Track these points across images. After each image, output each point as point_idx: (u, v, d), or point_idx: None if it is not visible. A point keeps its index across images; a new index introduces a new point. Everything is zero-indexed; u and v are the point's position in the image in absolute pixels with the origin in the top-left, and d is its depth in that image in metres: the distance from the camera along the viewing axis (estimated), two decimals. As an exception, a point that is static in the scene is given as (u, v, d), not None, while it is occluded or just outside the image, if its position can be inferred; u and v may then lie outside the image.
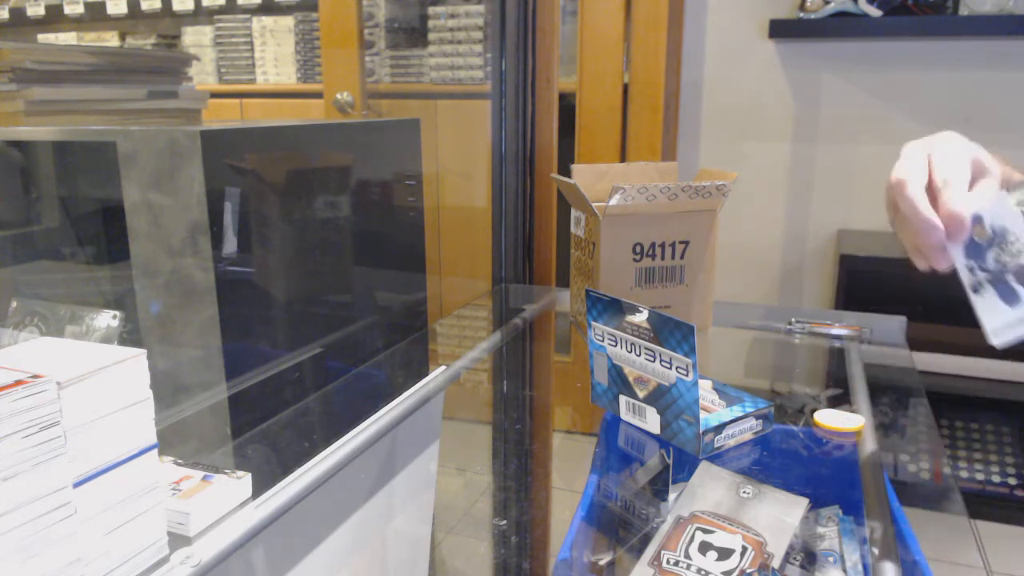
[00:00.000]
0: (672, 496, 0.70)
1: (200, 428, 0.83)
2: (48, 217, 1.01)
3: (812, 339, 1.20)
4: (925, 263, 0.64)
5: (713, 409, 0.81)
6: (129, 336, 0.87)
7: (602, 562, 0.65)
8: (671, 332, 0.71)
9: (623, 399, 0.81)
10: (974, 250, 0.59)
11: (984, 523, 1.84)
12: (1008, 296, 0.58)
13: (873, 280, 1.84)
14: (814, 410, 0.87)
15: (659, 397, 0.76)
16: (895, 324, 1.19)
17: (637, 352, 0.76)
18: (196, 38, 2.73)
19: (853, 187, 2.08)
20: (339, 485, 0.73)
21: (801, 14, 1.93)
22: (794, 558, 0.60)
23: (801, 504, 0.66)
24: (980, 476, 1.85)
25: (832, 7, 1.88)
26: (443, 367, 1.01)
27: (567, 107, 2.08)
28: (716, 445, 0.76)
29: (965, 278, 0.60)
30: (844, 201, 2.10)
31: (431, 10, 2.24)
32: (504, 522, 0.75)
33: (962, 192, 0.60)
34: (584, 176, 1.08)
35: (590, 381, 0.85)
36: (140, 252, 0.82)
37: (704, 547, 0.60)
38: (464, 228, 2.18)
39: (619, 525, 0.70)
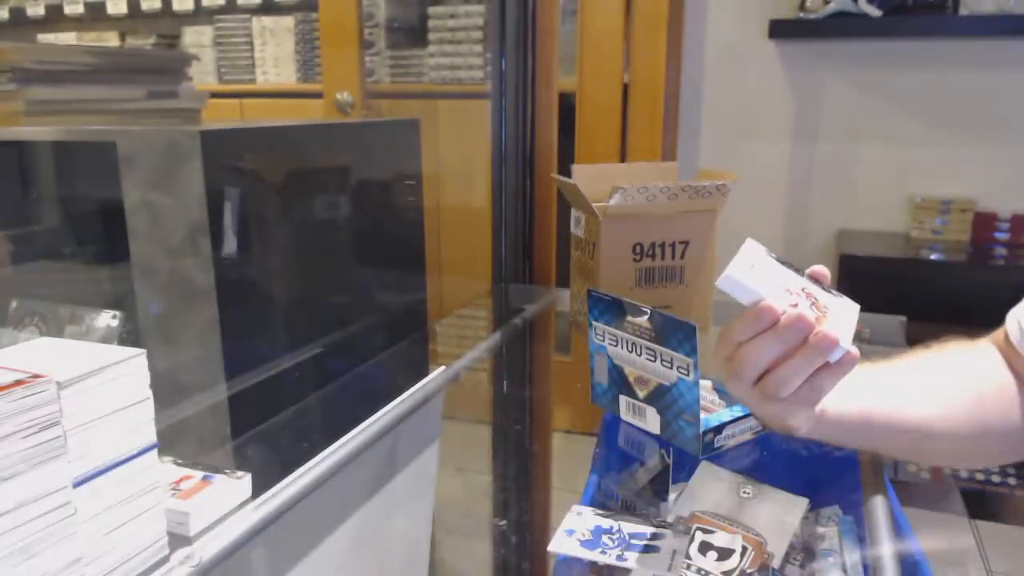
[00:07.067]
0: (672, 496, 0.70)
1: (200, 428, 0.83)
2: (48, 217, 1.01)
3: (812, 339, 1.20)
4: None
5: (713, 409, 0.81)
6: (129, 336, 0.87)
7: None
8: (673, 332, 0.71)
9: (623, 399, 0.81)
10: None
11: (984, 523, 1.84)
12: None
13: (873, 280, 1.84)
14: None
15: (659, 397, 0.76)
16: (895, 324, 1.19)
17: (638, 352, 0.76)
18: (196, 38, 2.72)
19: (853, 187, 2.08)
20: (339, 485, 0.73)
21: (801, 14, 1.93)
22: (794, 558, 0.60)
23: (801, 504, 0.66)
24: (980, 476, 1.85)
25: (832, 7, 1.88)
26: (443, 367, 1.01)
27: (567, 107, 2.08)
28: (716, 445, 0.76)
29: None
30: (844, 201, 2.09)
31: (431, 10, 2.24)
32: (504, 522, 0.75)
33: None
34: (584, 176, 1.08)
35: (590, 381, 0.85)
36: (140, 252, 0.82)
37: (704, 547, 0.60)
38: (464, 228, 2.18)
39: (619, 525, 0.70)
